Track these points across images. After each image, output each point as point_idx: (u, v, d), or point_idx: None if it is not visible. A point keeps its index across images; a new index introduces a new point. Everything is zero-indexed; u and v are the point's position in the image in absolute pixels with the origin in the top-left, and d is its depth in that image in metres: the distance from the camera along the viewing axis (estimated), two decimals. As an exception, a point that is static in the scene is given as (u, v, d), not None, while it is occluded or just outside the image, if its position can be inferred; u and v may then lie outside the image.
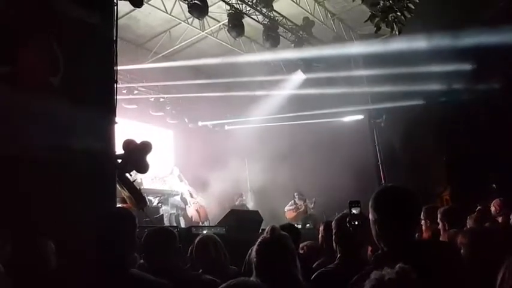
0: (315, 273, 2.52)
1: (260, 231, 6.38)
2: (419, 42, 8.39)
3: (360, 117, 11.23)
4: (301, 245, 3.95)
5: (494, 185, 8.46)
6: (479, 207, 5.39)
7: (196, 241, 3.33)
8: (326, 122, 11.10)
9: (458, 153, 9.60)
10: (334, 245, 2.71)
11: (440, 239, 3.59)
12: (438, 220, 3.96)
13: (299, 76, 11.35)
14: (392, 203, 1.95)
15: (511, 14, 8.04)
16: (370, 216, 2.01)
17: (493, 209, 5.04)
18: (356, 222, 2.28)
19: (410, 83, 9.53)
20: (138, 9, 7.61)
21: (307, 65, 11.13)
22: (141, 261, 2.88)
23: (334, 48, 10.40)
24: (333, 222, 2.79)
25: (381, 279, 1.27)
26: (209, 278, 2.69)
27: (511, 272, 1.19)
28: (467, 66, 9.19)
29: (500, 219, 4.78)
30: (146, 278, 2.24)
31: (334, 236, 2.71)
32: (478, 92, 9.22)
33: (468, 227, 3.92)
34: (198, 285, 2.61)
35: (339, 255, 2.64)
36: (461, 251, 2.36)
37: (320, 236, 3.67)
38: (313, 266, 3.10)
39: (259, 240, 2.14)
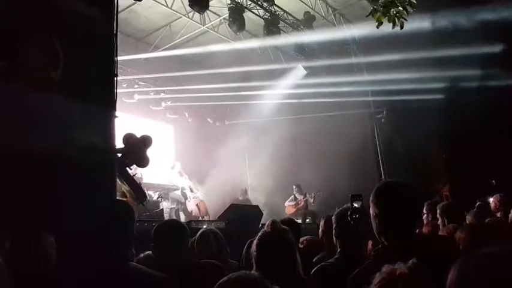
0: (315, 268, 2.52)
1: (260, 225, 6.39)
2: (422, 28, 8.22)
3: (362, 111, 11.21)
4: (301, 240, 3.95)
5: (493, 181, 8.46)
6: (478, 203, 5.41)
7: (198, 234, 3.34)
8: (327, 117, 11.09)
9: (458, 149, 9.59)
10: (334, 239, 2.71)
11: (439, 233, 3.60)
12: (437, 215, 3.97)
13: (300, 71, 11.34)
14: (393, 198, 1.96)
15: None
16: (371, 211, 2.01)
17: (492, 204, 5.05)
18: (357, 216, 2.28)
19: (411, 78, 9.51)
20: (138, 3, 7.56)
21: (307, 56, 11.11)
22: (147, 252, 2.88)
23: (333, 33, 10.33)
24: (332, 217, 2.79)
25: (392, 273, 1.27)
26: (215, 262, 2.69)
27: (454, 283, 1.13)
28: (470, 62, 9.12)
29: (499, 215, 4.79)
30: (144, 271, 2.25)
31: (334, 231, 2.71)
32: (478, 87, 9.17)
33: (467, 222, 3.93)
34: (207, 267, 2.61)
35: (339, 250, 2.64)
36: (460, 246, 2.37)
37: (320, 230, 3.68)
38: (314, 260, 3.11)
39: (259, 234, 2.14)
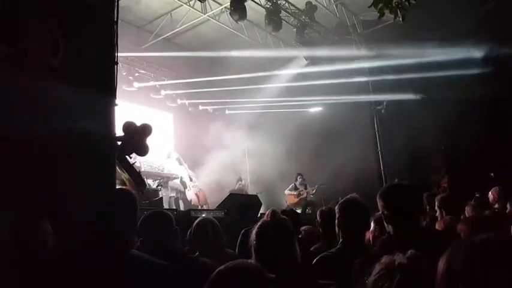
0: (317, 258, 2.53)
1: (259, 215, 6.42)
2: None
3: (361, 101, 11.15)
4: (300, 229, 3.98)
5: (492, 174, 8.47)
6: (477, 195, 5.43)
7: (195, 223, 3.35)
8: (327, 108, 11.07)
9: (456, 141, 9.58)
10: (336, 229, 2.71)
11: (437, 225, 3.63)
12: (436, 207, 3.99)
13: (301, 61, 11.29)
14: (399, 200, 2.16)
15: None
16: (380, 207, 2.20)
17: (491, 197, 5.07)
18: None
19: (411, 71, 9.47)
20: (139, -10, 7.51)
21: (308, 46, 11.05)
22: (138, 244, 2.90)
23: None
24: (336, 207, 2.79)
25: (392, 263, 1.28)
26: (206, 260, 2.71)
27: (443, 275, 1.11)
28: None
29: (497, 207, 4.81)
30: (146, 258, 2.26)
31: (337, 221, 2.71)
32: (478, 80, 9.11)
33: (466, 214, 3.95)
34: (194, 268, 2.63)
35: (341, 240, 2.65)
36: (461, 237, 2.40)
37: (317, 221, 3.70)
38: (311, 249, 3.14)
39: (259, 223, 2.14)
